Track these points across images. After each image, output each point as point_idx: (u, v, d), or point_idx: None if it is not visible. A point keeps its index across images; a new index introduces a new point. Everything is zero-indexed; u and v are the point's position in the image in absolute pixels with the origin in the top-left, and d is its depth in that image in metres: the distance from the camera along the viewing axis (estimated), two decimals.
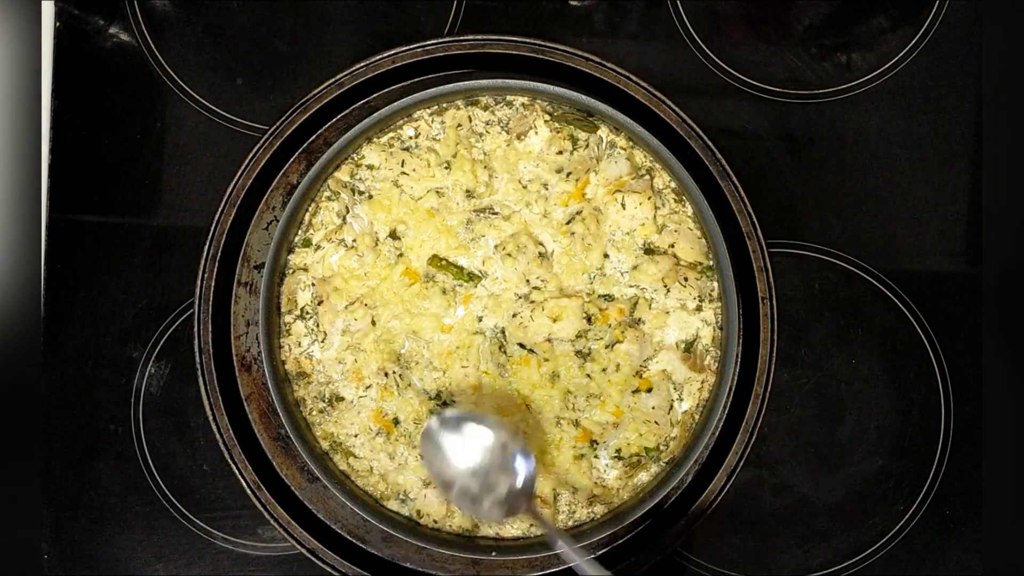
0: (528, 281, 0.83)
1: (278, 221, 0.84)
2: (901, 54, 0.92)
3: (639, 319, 0.83)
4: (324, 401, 0.85)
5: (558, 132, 0.84)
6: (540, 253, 0.84)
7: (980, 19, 0.92)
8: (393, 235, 0.85)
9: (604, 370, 0.83)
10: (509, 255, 0.83)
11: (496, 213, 0.85)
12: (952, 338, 0.91)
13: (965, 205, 0.91)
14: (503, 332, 0.84)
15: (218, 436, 0.84)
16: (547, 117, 0.85)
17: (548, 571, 0.83)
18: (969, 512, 0.90)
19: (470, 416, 0.77)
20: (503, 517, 0.77)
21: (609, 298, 0.84)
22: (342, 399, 0.85)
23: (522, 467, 0.75)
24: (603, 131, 0.85)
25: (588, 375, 0.83)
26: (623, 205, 0.83)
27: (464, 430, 0.76)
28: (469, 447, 0.76)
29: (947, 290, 0.91)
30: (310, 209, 0.86)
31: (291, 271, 0.86)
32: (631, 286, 0.84)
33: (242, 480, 0.84)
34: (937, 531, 0.90)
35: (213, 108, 0.93)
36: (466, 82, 0.83)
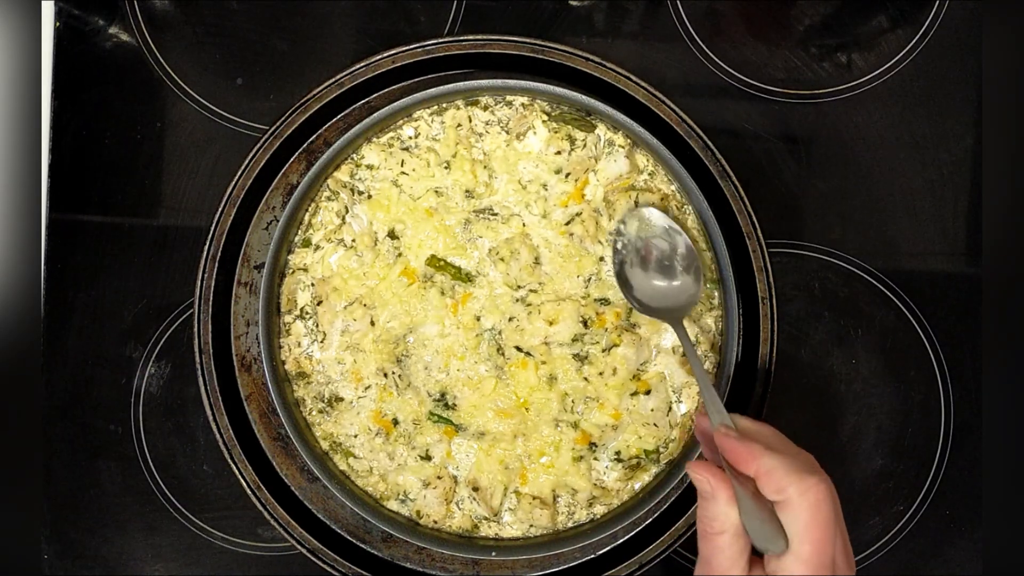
0: (520, 287, 0.83)
1: (278, 221, 0.84)
2: (901, 54, 0.92)
3: (634, 324, 0.83)
4: (324, 401, 0.85)
5: (556, 132, 0.84)
6: (536, 258, 0.83)
7: (980, 19, 0.92)
8: (392, 235, 0.85)
9: (601, 374, 0.83)
10: (502, 260, 0.83)
11: (496, 215, 0.85)
12: (952, 338, 0.91)
13: (965, 205, 0.91)
14: (500, 335, 0.84)
15: (218, 436, 0.84)
16: (545, 117, 0.85)
17: (548, 571, 0.83)
18: (969, 512, 0.90)
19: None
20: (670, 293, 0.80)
21: (605, 302, 0.83)
22: (342, 399, 0.85)
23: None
24: (600, 129, 0.85)
25: (586, 378, 0.83)
26: None
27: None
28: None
29: (947, 290, 0.91)
30: (310, 209, 0.86)
31: (291, 271, 0.86)
32: None
33: (242, 480, 0.84)
34: (937, 531, 0.90)
35: (213, 108, 0.93)
36: (466, 82, 0.83)
